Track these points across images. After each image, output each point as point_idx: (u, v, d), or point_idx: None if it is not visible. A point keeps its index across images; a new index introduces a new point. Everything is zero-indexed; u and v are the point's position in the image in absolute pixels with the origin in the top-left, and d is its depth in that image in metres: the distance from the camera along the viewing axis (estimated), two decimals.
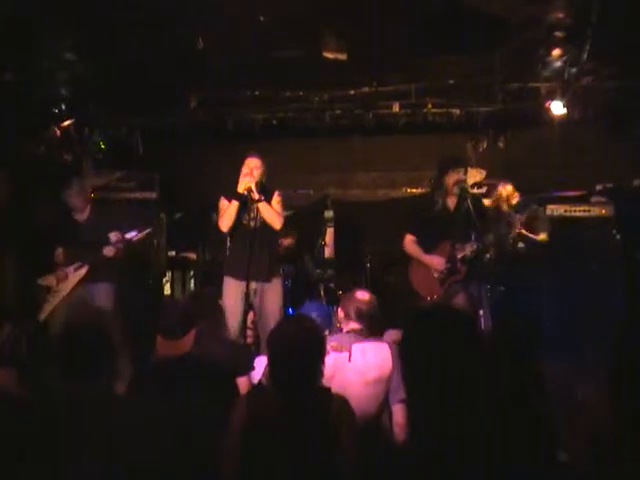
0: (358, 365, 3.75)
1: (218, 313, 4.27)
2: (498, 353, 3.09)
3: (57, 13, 4.86)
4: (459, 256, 5.53)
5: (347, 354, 3.76)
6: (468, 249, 5.51)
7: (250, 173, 5.41)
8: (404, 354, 2.06)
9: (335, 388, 3.16)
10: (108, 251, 5.91)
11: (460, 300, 4.37)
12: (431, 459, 1.85)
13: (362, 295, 4.08)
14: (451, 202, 5.68)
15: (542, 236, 6.03)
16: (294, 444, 2.73)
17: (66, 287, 5.95)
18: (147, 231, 6.20)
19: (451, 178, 5.60)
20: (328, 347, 3.62)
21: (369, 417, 3.67)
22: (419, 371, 2.00)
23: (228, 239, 5.77)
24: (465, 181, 5.68)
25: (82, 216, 6.05)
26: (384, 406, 3.73)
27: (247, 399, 3.04)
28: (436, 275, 5.58)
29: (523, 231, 5.93)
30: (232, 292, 5.44)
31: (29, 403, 2.50)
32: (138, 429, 2.38)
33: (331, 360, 3.62)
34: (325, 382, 3.16)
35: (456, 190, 5.60)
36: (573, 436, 2.74)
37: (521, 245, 6.02)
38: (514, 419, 2.59)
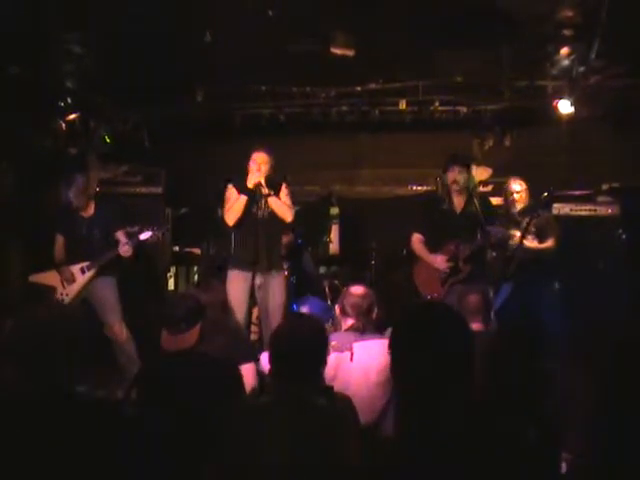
0: (361, 364, 3.69)
1: (225, 301, 4.28)
2: (502, 352, 3.08)
3: (64, 6, 4.85)
4: (463, 256, 5.53)
5: (349, 354, 3.72)
6: (472, 248, 5.50)
7: (259, 169, 5.41)
8: (392, 351, 2.05)
9: (337, 388, 3.14)
10: (125, 251, 5.84)
11: (474, 300, 4.33)
12: (424, 458, 1.84)
13: (356, 289, 4.00)
14: (457, 202, 5.67)
15: (548, 243, 6.00)
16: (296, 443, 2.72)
17: (73, 290, 5.88)
18: (162, 232, 6.16)
19: (449, 177, 5.62)
20: (329, 347, 3.60)
21: (373, 416, 3.64)
22: (406, 368, 2.00)
23: (233, 232, 5.74)
24: (466, 179, 5.66)
25: (87, 213, 6.01)
26: (390, 404, 3.69)
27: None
28: (441, 274, 5.58)
29: (526, 243, 5.89)
30: (236, 286, 5.44)
31: None
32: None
33: (332, 360, 3.59)
34: (327, 383, 3.15)
35: (455, 187, 5.60)
36: (574, 435, 2.74)
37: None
38: (511, 418, 2.59)
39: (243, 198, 5.43)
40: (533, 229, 5.84)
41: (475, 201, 5.52)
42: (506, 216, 5.94)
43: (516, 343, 3.28)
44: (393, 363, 2.05)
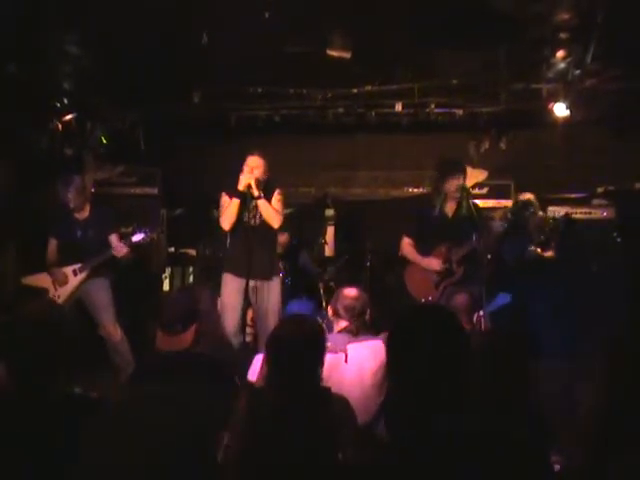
0: (356, 366, 3.69)
1: (213, 310, 4.27)
2: (492, 354, 3.09)
3: (61, 6, 4.84)
4: (455, 258, 5.53)
5: (343, 355, 3.71)
6: (465, 250, 5.49)
7: (250, 171, 5.40)
8: (389, 353, 2.06)
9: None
10: (119, 251, 5.82)
11: (461, 300, 4.35)
12: (417, 458, 1.85)
13: (349, 291, 4.00)
14: (449, 207, 5.66)
15: (549, 253, 6.03)
16: (293, 443, 2.72)
17: (65, 291, 5.85)
18: (155, 234, 6.15)
19: (451, 185, 5.58)
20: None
21: (367, 417, 3.64)
22: (403, 370, 2.01)
23: (228, 236, 5.74)
24: (464, 183, 5.66)
25: (82, 215, 5.98)
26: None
27: (247, 397, 3.03)
28: (435, 277, 5.58)
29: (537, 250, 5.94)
30: (231, 289, 5.43)
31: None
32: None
33: (327, 362, 3.59)
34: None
35: (457, 195, 5.59)
36: (571, 437, 2.73)
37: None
38: (504, 418, 2.60)
39: (235, 201, 5.42)
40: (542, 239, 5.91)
41: (470, 204, 5.52)
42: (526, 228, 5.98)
43: (503, 343, 3.28)
44: (390, 365, 2.06)
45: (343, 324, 3.92)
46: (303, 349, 2.85)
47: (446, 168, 5.68)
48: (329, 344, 3.63)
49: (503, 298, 5.83)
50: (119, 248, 5.81)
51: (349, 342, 3.78)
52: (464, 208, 5.54)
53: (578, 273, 6.39)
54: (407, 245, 5.75)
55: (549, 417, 3.05)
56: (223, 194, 5.57)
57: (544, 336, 5.59)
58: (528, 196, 6.21)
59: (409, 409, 1.99)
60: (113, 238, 5.91)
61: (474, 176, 7.12)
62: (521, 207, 6.10)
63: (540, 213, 6.18)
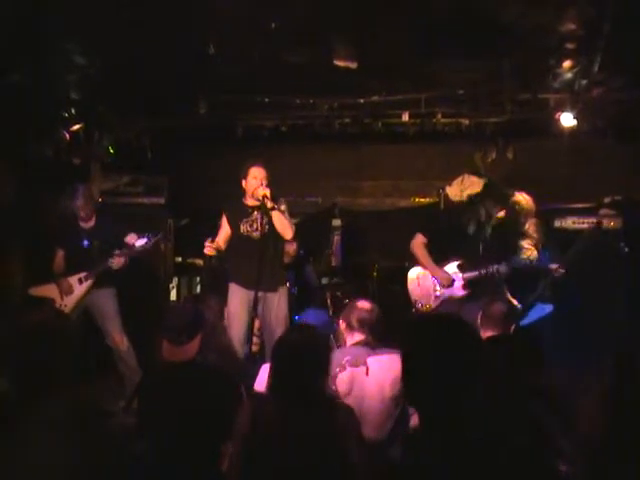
0: (376, 379, 3.70)
1: (218, 321, 4.27)
2: (498, 362, 3.08)
3: (68, 15, 4.87)
4: (466, 277, 5.50)
5: (364, 368, 3.71)
6: (477, 274, 5.46)
7: (261, 183, 5.35)
8: (404, 362, 2.07)
9: (352, 403, 3.16)
10: (117, 263, 5.85)
11: (497, 309, 4.31)
12: (430, 467, 1.85)
13: (363, 304, 4.02)
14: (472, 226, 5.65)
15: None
16: (297, 451, 2.72)
17: (71, 301, 5.87)
18: (158, 238, 6.16)
19: (488, 211, 5.56)
20: (344, 362, 3.61)
21: (386, 430, 3.63)
22: (418, 379, 2.02)
23: (230, 253, 5.68)
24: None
25: (88, 224, 6.01)
26: (403, 418, 3.67)
27: (252, 405, 3.02)
28: (434, 285, 5.56)
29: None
30: (237, 299, 5.42)
31: None
32: None
33: (347, 375, 3.61)
34: (342, 398, 3.23)
35: (484, 219, 5.57)
36: (574, 445, 2.73)
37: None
38: (512, 427, 2.60)
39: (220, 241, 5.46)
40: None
41: (487, 229, 5.52)
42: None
43: (512, 354, 3.26)
44: (407, 377, 2.06)
45: (358, 337, 3.93)
46: (306, 356, 2.85)
47: (495, 198, 5.66)
48: (349, 358, 3.65)
49: (541, 310, 5.73)
50: (117, 260, 5.82)
51: (369, 355, 3.78)
52: (485, 231, 5.53)
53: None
54: (420, 243, 5.69)
55: (552, 425, 3.05)
56: (223, 216, 5.58)
57: (551, 346, 5.57)
58: (518, 198, 6.13)
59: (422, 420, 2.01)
60: (130, 238, 5.92)
61: (476, 185, 7.12)
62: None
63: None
